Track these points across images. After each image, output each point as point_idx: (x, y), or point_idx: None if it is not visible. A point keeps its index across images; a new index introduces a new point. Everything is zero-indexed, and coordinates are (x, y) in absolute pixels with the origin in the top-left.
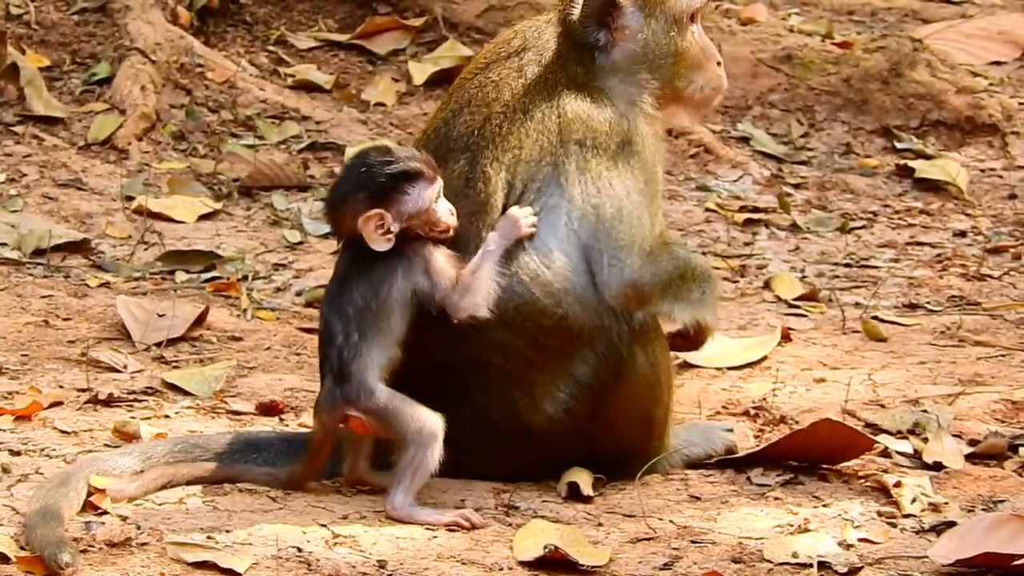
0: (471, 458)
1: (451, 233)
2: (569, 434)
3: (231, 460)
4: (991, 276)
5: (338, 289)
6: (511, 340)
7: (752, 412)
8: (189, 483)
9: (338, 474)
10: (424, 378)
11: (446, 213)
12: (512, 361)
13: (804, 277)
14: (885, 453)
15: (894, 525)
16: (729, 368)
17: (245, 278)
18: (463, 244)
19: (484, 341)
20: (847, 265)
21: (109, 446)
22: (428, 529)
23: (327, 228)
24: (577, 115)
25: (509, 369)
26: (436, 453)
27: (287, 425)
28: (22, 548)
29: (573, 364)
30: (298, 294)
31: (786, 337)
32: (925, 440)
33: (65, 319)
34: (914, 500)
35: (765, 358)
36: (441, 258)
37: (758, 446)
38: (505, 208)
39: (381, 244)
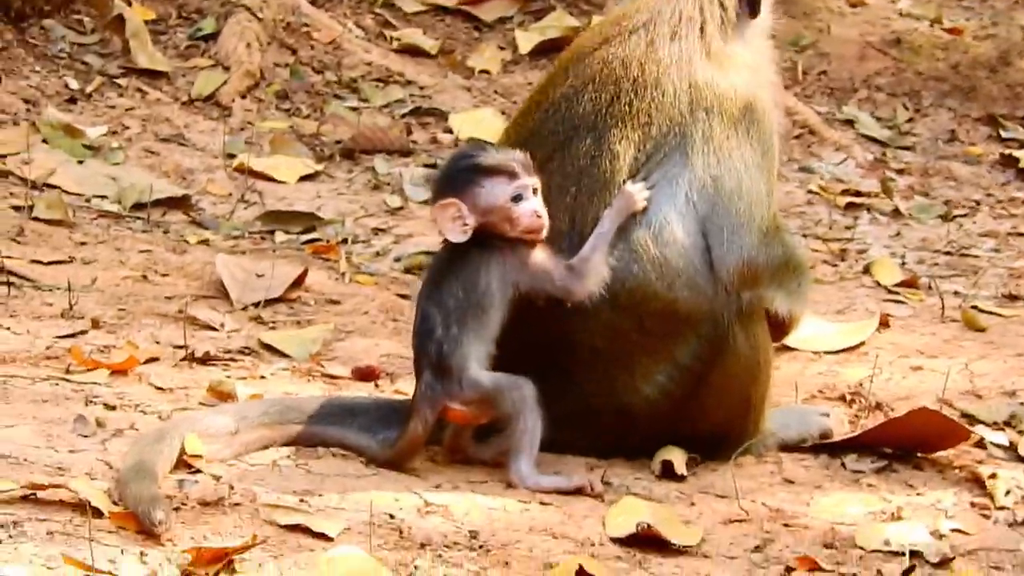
0: (565, 434)
1: (540, 235)
2: (666, 415)
3: (326, 424)
4: None
5: (434, 284)
6: (618, 322)
7: (848, 397)
8: (283, 445)
9: (435, 442)
10: (523, 354)
11: (529, 214)
12: (616, 343)
13: (904, 263)
14: (980, 444)
15: (987, 517)
16: (826, 352)
17: (344, 241)
18: (580, 223)
19: (589, 323)
20: (948, 253)
21: (204, 404)
22: (521, 502)
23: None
24: (707, 83)
25: (612, 350)
26: (540, 413)
27: (383, 391)
28: (115, 503)
29: (676, 346)
30: (397, 260)
31: (884, 323)
32: (1021, 432)
33: (163, 275)
34: (1008, 492)
35: (863, 343)
36: (538, 253)
37: (853, 432)
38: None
39: (456, 235)
